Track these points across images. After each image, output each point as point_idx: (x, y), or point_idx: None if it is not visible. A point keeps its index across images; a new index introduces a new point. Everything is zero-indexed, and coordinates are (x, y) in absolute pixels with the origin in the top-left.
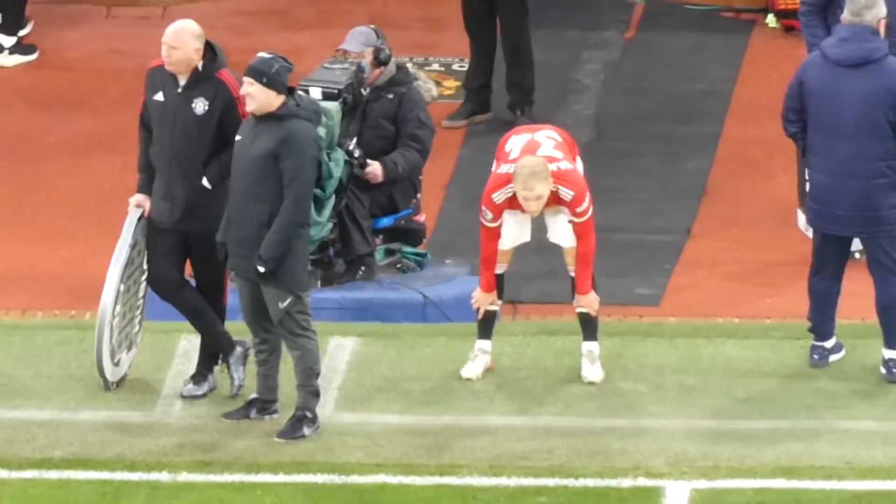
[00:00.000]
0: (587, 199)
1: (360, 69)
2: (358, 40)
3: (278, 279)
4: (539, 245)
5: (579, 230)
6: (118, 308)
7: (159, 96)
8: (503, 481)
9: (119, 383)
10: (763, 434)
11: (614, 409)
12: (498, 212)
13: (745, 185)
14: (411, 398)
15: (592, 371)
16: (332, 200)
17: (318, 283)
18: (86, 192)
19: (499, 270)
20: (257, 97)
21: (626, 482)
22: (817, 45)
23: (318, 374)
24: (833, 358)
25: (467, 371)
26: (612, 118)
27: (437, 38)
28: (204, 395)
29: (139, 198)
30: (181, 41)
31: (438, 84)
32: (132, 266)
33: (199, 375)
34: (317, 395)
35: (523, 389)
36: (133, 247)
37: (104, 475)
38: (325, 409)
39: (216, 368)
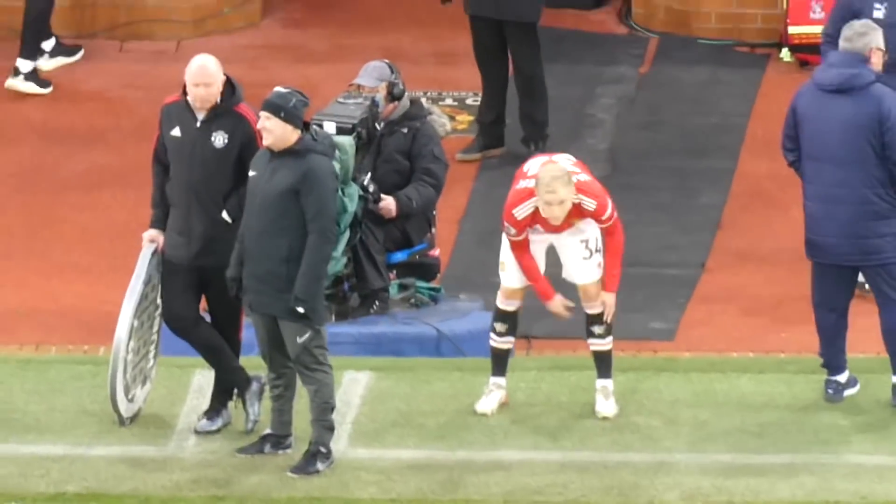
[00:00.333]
0: (609, 205)
1: (374, 104)
2: (372, 75)
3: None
4: (553, 280)
5: (608, 230)
6: (132, 344)
7: (176, 132)
8: None
9: (133, 418)
10: (778, 469)
11: (629, 443)
12: (521, 227)
13: (759, 220)
14: (425, 433)
15: (606, 406)
16: (347, 235)
17: (333, 317)
18: (99, 226)
19: (511, 307)
20: (274, 131)
21: None
22: None
23: (333, 409)
24: (848, 392)
25: (482, 406)
26: (626, 153)
27: (451, 72)
28: (218, 431)
29: (153, 233)
30: (213, 77)
31: (452, 118)
32: (146, 301)
33: (214, 410)
34: (331, 429)
35: (538, 424)
36: (147, 282)
37: None
38: (339, 443)
39: (230, 403)
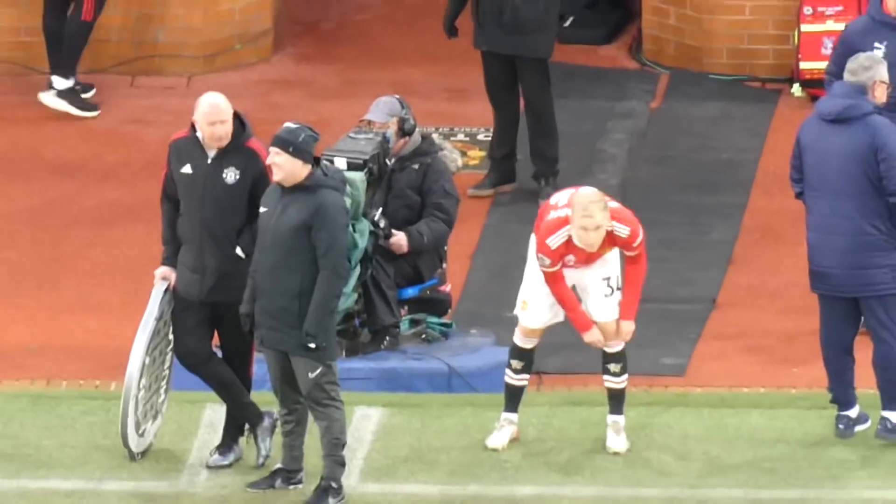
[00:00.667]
0: (641, 232)
1: (384, 139)
2: (382, 110)
3: (314, 350)
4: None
5: (634, 258)
6: (143, 381)
7: (187, 168)
8: None
9: (144, 453)
10: None
11: (640, 478)
12: (556, 257)
13: (770, 255)
14: (437, 468)
15: (617, 441)
16: (358, 271)
17: (343, 353)
18: (110, 261)
19: (529, 345)
20: (284, 167)
21: None
22: None
23: (344, 445)
24: (859, 428)
25: (493, 441)
26: (637, 188)
27: (462, 107)
28: (230, 465)
29: (165, 270)
30: (227, 113)
31: (463, 154)
32: (158, 337)
33: (225, 445)
34: (342, 465)
35: (549, 460)
36: (159, 319)
37: None
38: (351, 479)
39: (241, 439)
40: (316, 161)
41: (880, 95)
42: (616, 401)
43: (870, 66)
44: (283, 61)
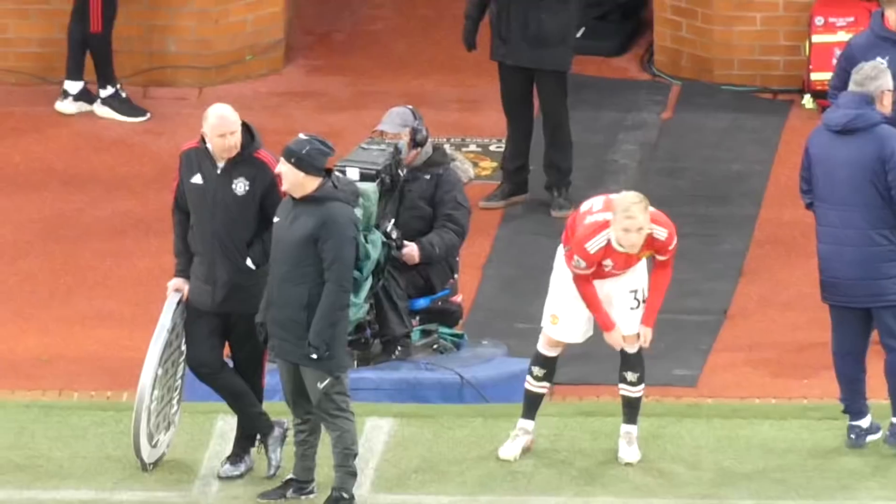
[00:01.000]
0: (675, 236)
1: (397, 150)
2: (395, 121)
3: (319, 361)
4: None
5: (663, 263)
6: (156, 392)
7: (197, 179)
8: None
9: (156, 463)
10: None
11: (652, 489)
12: (592, 261)
13: (781, 266)
14: (448, 479)
15: (629, 452)
16: (370, 281)
17: (355, 363)
18: (122, 272)
19: (552, 353)
20: (287, 177)
21: None
22: None
23: (355, 455)
24: (870, 438)
25: (505, 452)
26: (649, 199)
27: (474, 118)
28: (241, 476)
29: (177, 282)
30: (236, 124)
31: (475, 165)
32: (170, 348)
33: (237, 456)
34: (354, 475)
35: (561, 470)
36: (171, 331)
37: None
38: (362, 489)
39: (252, 449)
40: (328, 172)
41: (887, 104)
42: (631, 410)
43: (876, 76)
44: (295, 72)
